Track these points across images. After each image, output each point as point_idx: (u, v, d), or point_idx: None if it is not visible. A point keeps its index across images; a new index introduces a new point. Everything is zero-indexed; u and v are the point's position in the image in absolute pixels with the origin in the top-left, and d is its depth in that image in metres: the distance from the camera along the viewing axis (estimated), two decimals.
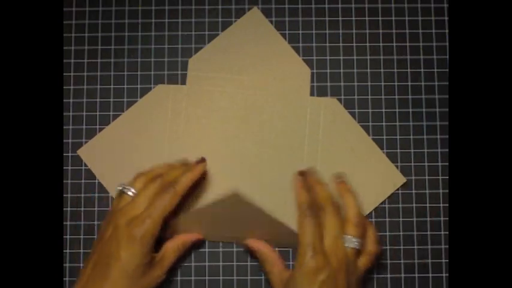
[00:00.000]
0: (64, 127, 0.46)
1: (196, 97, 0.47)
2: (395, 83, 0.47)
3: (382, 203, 0.46)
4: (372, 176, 0.46)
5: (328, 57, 0.47)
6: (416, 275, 0.45)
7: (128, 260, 0.38)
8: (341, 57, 0.47)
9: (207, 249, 0.45)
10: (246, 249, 0.44)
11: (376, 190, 0.46)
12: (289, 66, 0.47)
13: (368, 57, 0.47)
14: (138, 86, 0.47)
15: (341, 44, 0.48)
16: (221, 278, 0.45)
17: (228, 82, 0.47)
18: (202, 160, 0.44)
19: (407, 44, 0.48)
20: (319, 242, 0.39)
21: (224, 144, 0.46)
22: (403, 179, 0.46)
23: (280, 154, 0.46)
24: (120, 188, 0.42)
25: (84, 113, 0.47)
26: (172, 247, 0.42)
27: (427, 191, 0.46)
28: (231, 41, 0.47)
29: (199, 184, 0.45)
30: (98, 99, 0.47)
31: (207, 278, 0.45)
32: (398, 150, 0.46)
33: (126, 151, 0.46)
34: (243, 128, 0.46)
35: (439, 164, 0.46)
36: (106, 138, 0.46)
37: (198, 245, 0.45)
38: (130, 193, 0.41)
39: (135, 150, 0.46)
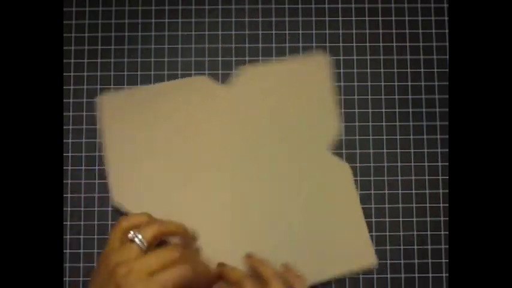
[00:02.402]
0: (64, 127, 0.46)
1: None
2: (395, 83, 0.47)
3: (382, 203, 0.46)
4: (346, 247, 0.45)
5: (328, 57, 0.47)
6: (416, 275, 0.45)
7: None
8: (341, 57, 0.47)
9: None
10: None
11: (344, 262, 0.44)
12: (321, 112, 0.46)
13: (368, 57, 0.47)
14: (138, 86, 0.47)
15: (341, 44, 0.48)
16: None
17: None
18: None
19: (407, 44, 0.48)
20: None
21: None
22: (373, 262, 0.45)
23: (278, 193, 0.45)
24: (131, 235, 0.36)
25: (84, 113, 0.47)
26: None
27: (427, 191, 0.46)
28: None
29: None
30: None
31: None
32: (398, 150, 0.46)
33: (138, 122, 0.46)
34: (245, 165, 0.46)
35: (439, 164, 0.46)
36: (128, 98, 0.46)
37: None
38: (137, 240, 0.36)
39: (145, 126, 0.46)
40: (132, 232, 0.36)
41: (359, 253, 0.45)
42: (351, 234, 0.45)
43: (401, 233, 0.46)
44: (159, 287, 0.34)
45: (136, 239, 0.36)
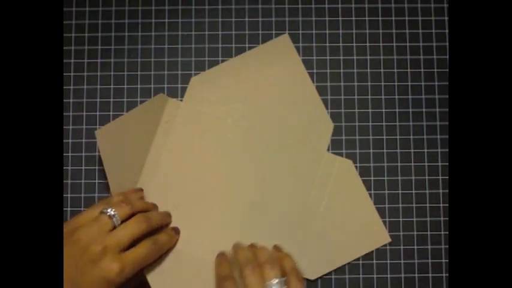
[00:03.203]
0: (64, 127, 0.46)
1: (192, 118, 0.46)
2: (395, 83, 0.47)
3: (382, 203, 0.46)
4: (359, 230, 0.45)
5: (328, 57, 0.47)
6: (416, 275, 0.45)
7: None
8: (341, 57, 0.47)
9: None
10: None
11: (360, 244, 0.45)
12: (312, 114, 0.46)
13: (368, 57, 0.47)
14: (138, 86, 0.47)
15: (341, 44, 0.48)
16: None
17: (235, 112, 0.46)
18: (177, 232, 0.44)
19: (407, 44, 0.48)
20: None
21: (219, 179, 0.45)
22: (387, 239, 0.45)
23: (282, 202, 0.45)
24: (105, 210, 0.40)
25: (84, 113, 0.47)
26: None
27: (427, 191, 0.46)
28: (246, 67, 0.47)
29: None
30: (98, 99, 0.47)
31: None
32: (398, 150, 0.46)
33: (134, 145, 0.45)
34: (243, 164, 0.46)
35: (439, 164, 0.46)
36: (123, 126, 0.45)
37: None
38: (110, 213, 0.39)
39: (140, 148, 0.46)
40: (104, 209, 0.39)
41: (373, 234, 0.45)
42: (362, 219, 0.45)
43: (401, 233, 0.46)
44: (131, 263, 0.38)
45: (109, 213, 0.39)
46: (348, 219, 0.45)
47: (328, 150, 0.46)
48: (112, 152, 0.44)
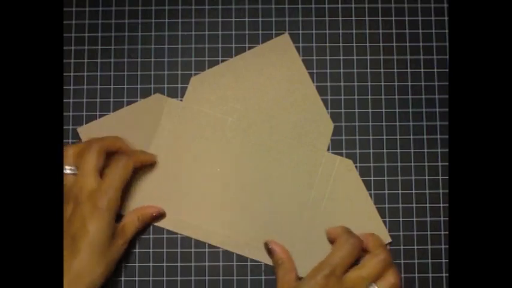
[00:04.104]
0: (64, 127, 0.46)
1: (192, 117, 0.46)
2: (395, 83, 0.47)
3: (382, 203, 0.46)
4: (359, 230, 0.44)
5: (328, 57, 0.47)
6: (416, 275, 0.45)
7: (96, 233, 0.38)
8: (341, 57, 0.47)
9: (207, 249, 0.45)
10: (265, 247, 0.44)
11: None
12: (312, 114, 0.46)
13: (368, 57, 0.47)
14: (138, 86, 0.47)
15: (341, 44, 0.48)
16: (221, 278, 0.45)
17: (234, 112, 0.46)
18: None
19: (407, 44, 0.48)
20: (341, 268, 0.39)
21: (217, 178, 0.45)
22: (388, 240, 0.45)
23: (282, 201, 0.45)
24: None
25: (84, 113, 0.47)
26: (131, 217, 0.43)
27: (427, 191, 0.46)
28: (247, 66, 0.47)
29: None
30: (98, 99, 0.47)
31: (207, 278, 0.45)
32: (398, 150, 0.46)
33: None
34: (244, 163, 0.46)
35: (439, 164, 0.46)
36: (107, 124, 0.46)
37: (158, 218, 0.45)
38: (68, 171, 0.41)
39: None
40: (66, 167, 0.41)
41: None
42: (362, 219, 0.45)
43: (401, 233, 0.46)
44: (108, 187, 0.39)
45: (67, 170, 0.41)
46: (348, 219, 0.45)
47: (328, 150, 0.46)
48: None
